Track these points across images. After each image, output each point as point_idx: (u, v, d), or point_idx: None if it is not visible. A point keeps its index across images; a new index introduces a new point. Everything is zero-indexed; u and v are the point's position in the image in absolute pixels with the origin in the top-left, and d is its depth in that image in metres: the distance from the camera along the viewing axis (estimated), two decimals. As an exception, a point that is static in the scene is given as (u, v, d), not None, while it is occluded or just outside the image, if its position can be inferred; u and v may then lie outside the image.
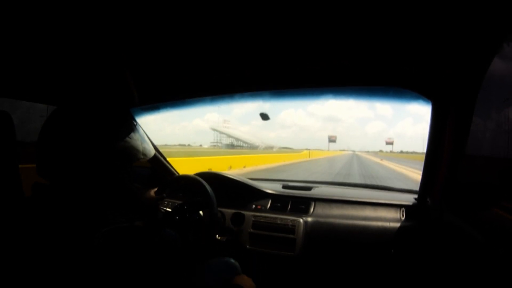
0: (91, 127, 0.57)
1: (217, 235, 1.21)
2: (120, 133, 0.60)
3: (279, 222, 1.24)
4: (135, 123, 0.68)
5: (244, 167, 12.28)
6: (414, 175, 10.24)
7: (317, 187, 1.49)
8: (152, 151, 0.73)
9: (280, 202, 1.36)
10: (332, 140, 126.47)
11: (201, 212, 1.13)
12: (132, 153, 0.62)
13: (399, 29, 0.69)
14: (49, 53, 0.81)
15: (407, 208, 1.19)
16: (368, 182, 7.06)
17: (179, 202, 1.23)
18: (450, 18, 0.61)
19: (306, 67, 0.98)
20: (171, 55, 0.92)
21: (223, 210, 1.32)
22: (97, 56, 0.66)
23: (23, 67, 0.87)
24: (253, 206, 1.37)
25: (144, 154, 0.66)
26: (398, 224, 1.13)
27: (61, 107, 0.60)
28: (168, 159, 1.59)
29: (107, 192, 0.58)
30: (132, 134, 0.63)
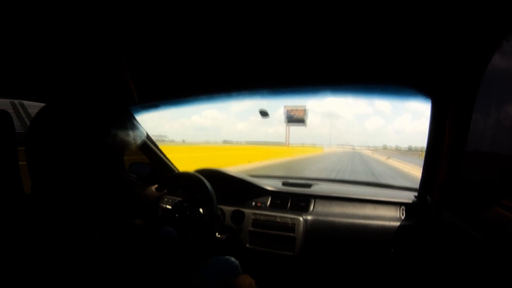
0: (88, 124, 0.57)
1: (217, 233, 1.22)
2: (118, 129, 0.61)
3: (279, 220, 1.24)
4: (132, 119, 0.68)
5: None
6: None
7: (317, 184, 1.49)
8: (143, 137, 0.75)
9: (280, 199, 1.36)
10: (295, 119, 54.88)
11: (201, 210, 1.14)
12: (123, 146, 0.62)
13: (398, 26, 0.68)
14: (48, 52, 0.81)
15: (407, 206, 1.18)
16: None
17: (179, 199, 1.23)
18: (449, 15, 0.61)
19: (305, 65, 0.97)
20: (170, 53, 0.91)
21: (223, 207, 1.32)
22: (96, 55, 0.66)
23: (22, 67, 0.87)
24: (253, 203, 1.37)
25: (140, 146, 0.68)
26: (398, 223, 1.13)
27: (52, 104, 0.60)
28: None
29: (102, 186, 0.58)
30: (129, 130, 0.63)
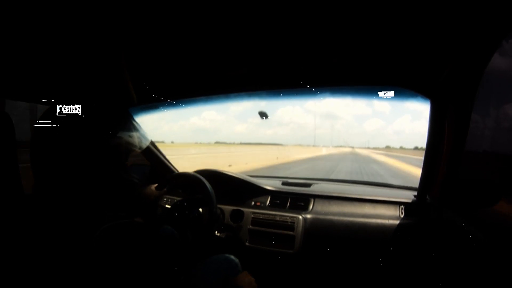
0: (90, 126, 0.57)
1: (216, 232, 1.22)
2: (117, 131, 0.61)
3: (278, 219, 1.25)
4: (132, 120, 0.68)
5: None
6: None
7: (317, 183, 1.49)
8: (147, 143, 0.75)
9: (279, 198, 1.36)
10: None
11: (200, 209, 1.14)
12: (128, 148, 0.63)
13: (397, 28, 0.68)
14: (48, 53, 0.81)
15: (406, 205, 1.19)
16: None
17: (179, 199, 1.23)
18: (448, 16, 0.61)
19: (305, 66, 0.98)
20: (170, 54, 0.91)
21: (223, 206, 1.32)
22: (96, 56, 0.66)
23: (23, 68, 0.87)
24: (252, 202, 1.37)
25: (140, 147, 0.68)
26: (397, 222, 1.13)
27: (55, 106, 0.60)
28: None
29: (106, 187, 0.59)
30: (129, 131, 0.63)
